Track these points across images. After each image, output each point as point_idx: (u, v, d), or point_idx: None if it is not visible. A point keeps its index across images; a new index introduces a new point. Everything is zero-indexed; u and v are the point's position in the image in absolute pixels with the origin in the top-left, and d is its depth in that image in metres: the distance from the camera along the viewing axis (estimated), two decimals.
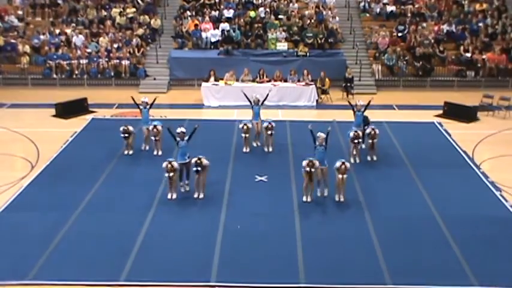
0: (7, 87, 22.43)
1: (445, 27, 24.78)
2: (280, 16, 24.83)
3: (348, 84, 21.62)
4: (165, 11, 26.33)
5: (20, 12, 25.76)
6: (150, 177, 13.64)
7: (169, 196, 12.59)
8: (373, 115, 16.18)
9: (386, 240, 10.92)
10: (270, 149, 15.63)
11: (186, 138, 12.78)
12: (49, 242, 10.63)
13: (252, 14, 24.80)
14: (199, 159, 12.31)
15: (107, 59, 23.15)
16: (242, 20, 24.42)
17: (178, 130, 12.82)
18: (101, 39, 23.90)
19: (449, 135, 17.24)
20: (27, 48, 23.32)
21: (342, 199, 12.51)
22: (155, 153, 15.13)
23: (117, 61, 23.11)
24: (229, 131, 16.99)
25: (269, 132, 15.34)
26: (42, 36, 23.93)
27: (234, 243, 10.75)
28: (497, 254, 10.54)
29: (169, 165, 12.30)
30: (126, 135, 14.86)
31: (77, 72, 22.93)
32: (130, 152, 15.15)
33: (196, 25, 24.03)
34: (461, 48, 23.82)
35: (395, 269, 9.94)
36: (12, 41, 23.59)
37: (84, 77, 22.96)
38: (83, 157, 15.03)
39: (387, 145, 15.93)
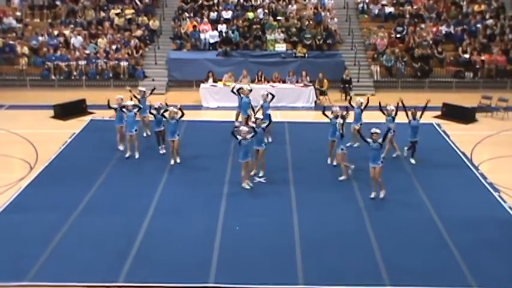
0: (5, 88, 22.34)
1: (443, 29, 24.80)
2: (278, 17, 24.82)
3: (347, 86, 21.63)
4: (163, 12, 26.33)
5: (18, 13, 25.69)
6: (149, 178, 13.68)
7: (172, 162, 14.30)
8: (371, 116, 16.14)
9: (385, 241, 10.92)
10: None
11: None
12: (47, 244, 10.62)
13: (251, 15, 24.80)
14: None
15: (105, 60, 23.13)
16: (240, 21, 24.41)
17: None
18: (99, 40, 23.88)
19: (448, 137, 17.24)
20: (26, 50, 23.29)
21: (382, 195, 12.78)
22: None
23: (116, 62, 23.08)
24: (227, 132, 16.86)
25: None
26: (40, 38, 23.91)
27: (232, 244, 10.75)
28: (496, 255, 10.54)
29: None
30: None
31: (75, 73, 22.91)
32: (128, 154, 15.12)
33: (194, 26, 24.01)
34: (460, 49, 23.82)
35: (393, 271, 9.94)
36: (11, 42, 23.54)
37: (82, 78, 22.94)
38: (81, 158, 15.02)
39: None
